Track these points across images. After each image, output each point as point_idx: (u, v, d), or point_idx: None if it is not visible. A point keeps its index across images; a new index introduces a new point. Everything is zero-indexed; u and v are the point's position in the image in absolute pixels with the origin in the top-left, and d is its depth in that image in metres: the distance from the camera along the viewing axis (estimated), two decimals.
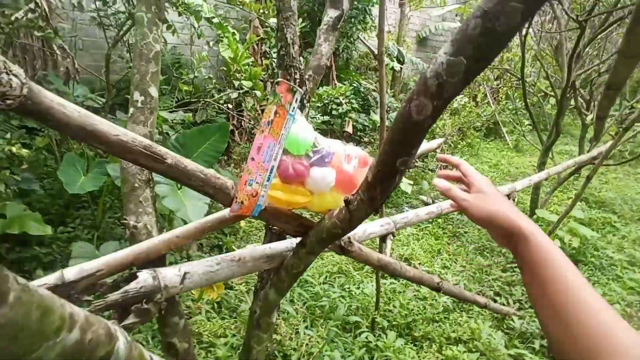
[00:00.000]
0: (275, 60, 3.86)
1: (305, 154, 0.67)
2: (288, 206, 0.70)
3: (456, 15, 7.71)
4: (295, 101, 0.64)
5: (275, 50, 3.81)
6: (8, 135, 2.19)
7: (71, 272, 0.58)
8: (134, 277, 0.62)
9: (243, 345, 1.17)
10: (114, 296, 0.57)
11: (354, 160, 0.72)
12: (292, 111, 0.64)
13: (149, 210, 0.79)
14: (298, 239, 0.85)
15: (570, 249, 2.81)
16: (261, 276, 1.03)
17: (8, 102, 0.38)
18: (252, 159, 0.63)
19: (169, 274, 0.64)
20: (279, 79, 0.63)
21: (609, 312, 0.38)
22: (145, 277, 0.61)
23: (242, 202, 0.64)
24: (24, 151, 2.07)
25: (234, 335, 2.05)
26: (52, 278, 0.56)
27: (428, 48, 7.70)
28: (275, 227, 0.94)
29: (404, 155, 0.49)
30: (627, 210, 4.00)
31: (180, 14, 2.45)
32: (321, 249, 0.76)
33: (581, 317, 0.38)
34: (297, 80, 0.84)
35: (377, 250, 1.90)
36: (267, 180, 0.65)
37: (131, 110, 0.81)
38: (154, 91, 0.82)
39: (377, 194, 0.56)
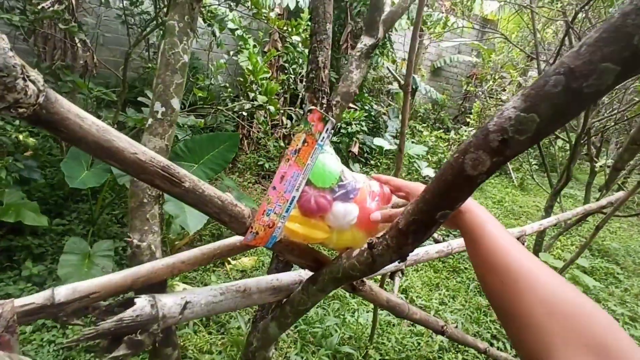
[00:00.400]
0: (292, 75, 3.87)
1: (329, 188, 0.62)
2: (305, 240, 0.65)
3: (472, 50, 7.83)
4: (326, 131, 0.60)
5: (293, 66, 3.82)
6: (17, 122, 2.16)
7: (62, 293, 0.52)
8: (130, 302, 0.56)
9: None
10: (107, 324, 0.51)
11: (377, 198, 0.68)
12: (321, 141, 0.60)
13: (155, 229, 0.73)
14: (307, 272, 0.79)
15: None
16: (262, 305, 0.97)
17: (21, 110, 0.33)
18: (274, 188, 0.58)
19: (169, 302, 0.58)
20: (312, 107, 0.59)
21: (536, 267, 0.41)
22: (143, 305, 0.55)
23: (257, 233, 0.59)
24: (31, 140, 2.03)
25: (220, 353, 1.96)
26: (40, 297, 0.51)
27: (441, 78, 7.84)
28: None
29: (447, 208, 0.44)
30: (630, 262, 3.93)
31: (205, 21, 2.46)
32: (333, 289, 0.71)
33: (518, 277, 0.41)
34: (324, 105, 0.80)
35: (378, 283, 1.84)
36: (286, 212, 0.60)
37: (150, 121, 0.75)
38: (176, 103, 0.77)
39: (408, 243, 0.51)
